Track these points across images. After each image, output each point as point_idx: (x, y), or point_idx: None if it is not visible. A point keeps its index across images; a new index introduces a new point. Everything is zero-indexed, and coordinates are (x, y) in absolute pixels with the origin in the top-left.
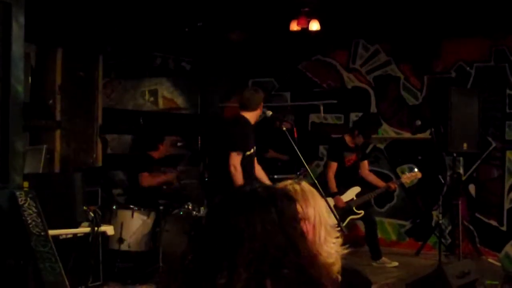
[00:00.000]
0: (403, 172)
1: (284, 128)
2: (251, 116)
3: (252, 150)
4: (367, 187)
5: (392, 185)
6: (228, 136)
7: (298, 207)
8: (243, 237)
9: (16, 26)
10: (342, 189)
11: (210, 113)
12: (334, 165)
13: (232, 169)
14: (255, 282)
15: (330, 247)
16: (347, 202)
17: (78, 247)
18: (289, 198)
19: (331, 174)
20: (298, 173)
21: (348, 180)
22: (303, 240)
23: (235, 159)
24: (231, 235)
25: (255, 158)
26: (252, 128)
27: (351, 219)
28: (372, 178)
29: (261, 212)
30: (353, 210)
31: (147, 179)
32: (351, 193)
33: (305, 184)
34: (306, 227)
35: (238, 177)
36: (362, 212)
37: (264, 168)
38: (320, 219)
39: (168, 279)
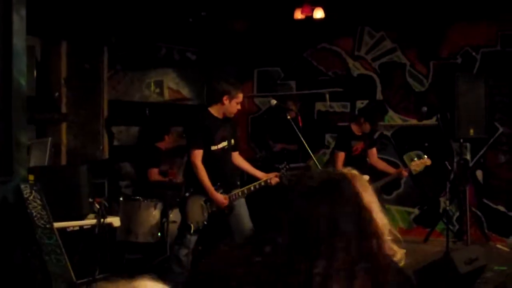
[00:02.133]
0: (412, 159)
1: (289, 117)
2: (216, 110)
3: (220, 145)
4: (376, 175)
5: (404, 172)
6: (186, 132)
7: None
8: (338, 221)
9: (17, 18)
10: None
11: None
12: (342, 155)
13: (192, 166)
14: (348, 268)
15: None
16: None
17: (85, 239)
18: (356, 179)
19: (340, 164)
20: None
21: (356, 169)
22: (378, 224)
23: (193, 156)
24: (326, 221)
25: (235, 153)
26: (217, 121)
27: None
28: (382, 165)
29: (348, 194)
30: None
31: (155, 176)
32: None
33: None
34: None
35: (200, 173)
36: None
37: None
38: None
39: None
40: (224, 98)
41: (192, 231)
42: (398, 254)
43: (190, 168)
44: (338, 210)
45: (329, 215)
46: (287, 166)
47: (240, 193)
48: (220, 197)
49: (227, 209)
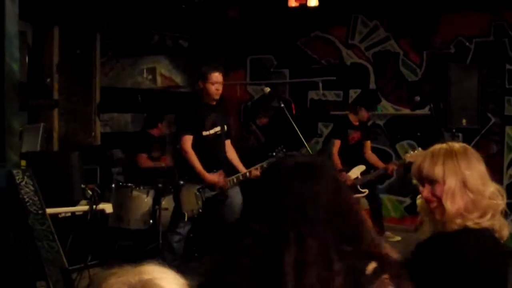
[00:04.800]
0: (406, 152)
1: (282, 105)
2: (202, 95)
3: (212, 131)
4: (368, 167)
5: (390, 168)
6: (176, 119)
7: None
8: (307, 207)
9: (9, 3)
10: (347, 167)
11: None
12: (337, 143)
13: (182, 152)
14: (324, 253)
15: None
16: (353, 180)
17: (76, 226)
18: (335, 168)
19: (335, 151)
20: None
21: (352, 158)
22: (358, 207)
23: (183, 141)
24: (297, 206)
25: (228, 141)
26: (207, 107)
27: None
28: (374, 160)
29: (323, 180)
30: (358, 189)
31: (145, 162)
32: (357, 171)
33: None
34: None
35: (190, 158)
36: (367, 190)
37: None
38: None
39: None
40: (200, 82)
41: (186, 219)
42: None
43: (182, 156)
44: (310, 194)
45: (300, 199)
46: (283, 150)
47: (234, 180)
48: (213, 177)
49: (222, 194)
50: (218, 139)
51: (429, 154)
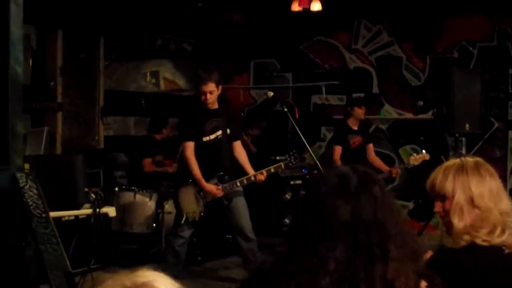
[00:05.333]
0: (411, 154)
1: (285, 109)
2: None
3: (213, 135)
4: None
5: (394, 171)
6: (178, 125)
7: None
8: (382, 222)
9: (14, 6)
10: None
11: None
12: (339, 149)
13: (184, 158)
14: (404, 266)
15: None
16: None
17: (80, 229)
18: (380, 181)
19: (337, 157)
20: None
21: (355, 163)
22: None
23: (184, 148)
24: (369, 222)
25: (236, 143)
26: (207, 112)
27: None
28: (378, 163)
29: (377, 193)
30: None
31: (149, 166)
32: None
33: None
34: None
35: (190, 165)
36: None
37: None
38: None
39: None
40: (200, 87)
41: (183, 221)
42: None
43: (184, 162)
44: (376, 207)
45: (369, 214)
46: (295, 154)
47: (233, 185)
48: (212, 187)
49: (224, 200)
50: (219, 143)
51: (442, 169)
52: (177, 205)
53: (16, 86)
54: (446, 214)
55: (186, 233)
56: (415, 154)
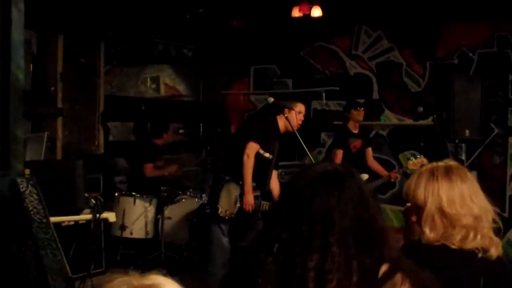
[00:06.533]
0: (409, 159)
1: (286, 115)
2: (280, 121)
3: (266, 154)
4: (372, 175)
5: (393, 175)
6: (252, 123)
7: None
8: (334, 216)
9: (16, 12)
10: None
11: (212, 100)
12: (340, 153)
13: (244, 156)
14: (347, 261)
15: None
16: None
17: (80, 234)
18: (358, 175)
19: (338, 161)
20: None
21: (355, 167)
22: (382, 217)
23: (249, 147)
24: (322, 215)
25: (275, 172)
26: (277, 132)
27: None
28: (376, 167)
29: (349, 189)
30: None
31: (150, 171)
32: None
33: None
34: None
35: (247, 166)
36: None
37: None
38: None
39: (253, 271)
40: (286, 110)
41: (219, 212)
42: None
43: (236, 156)
44: (336, 203)
45: (326, 208)
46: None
47: (266, 206)
48: (251, 199)
49: (256, 215)
50: (265, 163)
51: (415, 176)
52: (217, 195)
53: (17, 91)
54: (419, 224)
55: (225, 230)
56: (412, 158)
